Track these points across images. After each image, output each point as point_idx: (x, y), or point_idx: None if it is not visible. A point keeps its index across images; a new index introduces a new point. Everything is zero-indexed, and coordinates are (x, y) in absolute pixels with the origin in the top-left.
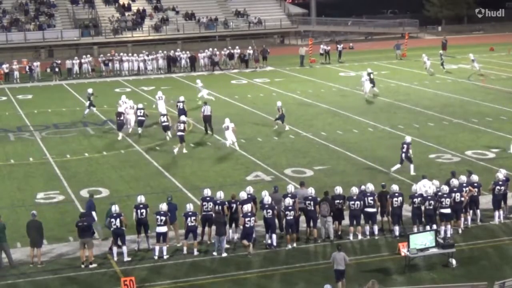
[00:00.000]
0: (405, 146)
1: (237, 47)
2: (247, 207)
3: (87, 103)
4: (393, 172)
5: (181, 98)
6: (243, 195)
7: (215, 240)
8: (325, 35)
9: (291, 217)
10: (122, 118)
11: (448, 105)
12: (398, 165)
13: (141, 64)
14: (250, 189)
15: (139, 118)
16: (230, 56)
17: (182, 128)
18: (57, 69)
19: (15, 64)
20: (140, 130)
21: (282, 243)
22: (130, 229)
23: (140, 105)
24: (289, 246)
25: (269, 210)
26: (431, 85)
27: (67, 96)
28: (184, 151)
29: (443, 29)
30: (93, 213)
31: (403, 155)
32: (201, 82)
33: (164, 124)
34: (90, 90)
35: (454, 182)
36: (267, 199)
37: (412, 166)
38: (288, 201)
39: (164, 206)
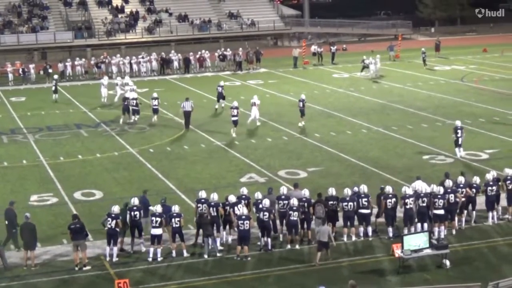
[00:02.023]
0: (458, 131)
1: (228, 49)
2: (242, 210)
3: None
4: (460, 157)
5: (221, 83)
6: (231, 198)
7: (210, 242)
8: (319, 37)
9: (295, 218)
10: (126, 102)
11: (441, 106)
12: (457, 149)
13: (134, 66)
14: (244, 190)
15: (133, 108)
16: (222, 58)
17: (235, 113)
18: (50, 71)
19: (10, 66)
20: (134, 118)
21: (275, 244)
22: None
23: (135, 95)
24: (289, 246)
25: (265, 213)
26: (425, 86)
27: (61, 98)
28: (234, 135)
29: (436, 30)
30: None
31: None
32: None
33: (154, 107)
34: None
35: (449, 183)
36: (265, 202)
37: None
38: (293, 201)
39: (158, 208)
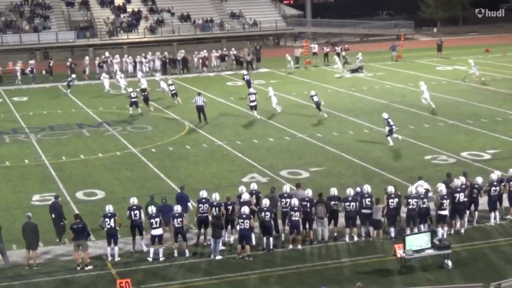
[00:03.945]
0: (389, 120)
1: (232, 48)
2: (244, 209)
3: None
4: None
5: (245, 72)
6: (245, 195)
7: (212, 243)
8: (321, 37)
9: (296, 218)
10: (146, 93)
11: (443, 106)
12: (389, 138)
13: (138, 65)
14: (254, 185)
15: (132, 99)
16: (222, 58)
17: (253, 99)
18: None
19: (18, 66)
20: (131, 110)
21: (277, 244)
22: (125, 230)
23: (131, 89)
24: (290, 247)
25: (267, 213)
26: (426, 86)
27: (63, 98)
28: (258, 116)
29: (438, 30)
30: (188, 204)
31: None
32: (272, 90)
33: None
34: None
35: (457, 182)
36: (265, 201)
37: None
38: (294, 201)
39: (154, 209)
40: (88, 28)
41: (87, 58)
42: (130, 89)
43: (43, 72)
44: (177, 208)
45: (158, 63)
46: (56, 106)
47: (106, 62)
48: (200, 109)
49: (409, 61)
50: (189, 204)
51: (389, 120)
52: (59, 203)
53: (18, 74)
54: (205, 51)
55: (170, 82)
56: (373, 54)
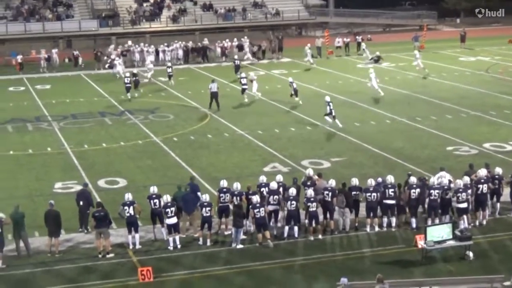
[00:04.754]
0: (331, 104)
1: (245, 37)
2: (256, 198)
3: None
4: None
5: (236, 56)
6: (273, 184)
7: (233, 232)
8: (344, 27)
9: (314, 209)
10: (137, 77)
11: (466, 97)
12: (327, 117)
13: (161, 54)
14: (280, 177)
15: (127, 85)
16: (240, 47)
17: (244, 82)
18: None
19: (42, 53)
20: (128, 96)
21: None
22: (147, 218)
23: (128, 74)
24: (312, 238)
25: (293, 202)
26: (449, 77)
27: (85, 87)
28: (246, 100)
29: (461, 21)
30: (198, 193)
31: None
32: (254, 75)
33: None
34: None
35: (480, 173)
36: (292, 191)
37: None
38: (310, 192)
39: (168, 198)
40: (111, 16)
41: (112, 46)
42: (127, 74)
43: (66, 60)
44: (206, 197)
45: (180, 52)
46: (79, 94)
47: (129, 51)
48: (214, 96)
49: (431, 51)
50: (198, 194)
51: (330, 103)
52: (88, 191)
53: (42, 62)
54: (227, 40)
55: (169, 64)
56: (395, 44)
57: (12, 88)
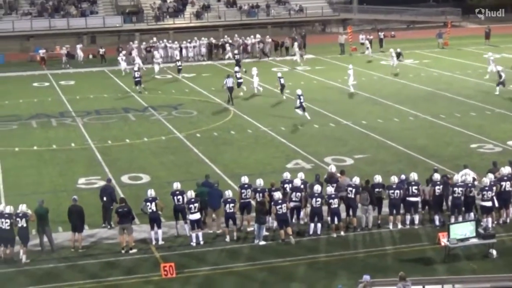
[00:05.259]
0: (301, 97)
1: (257, 35)
2: (278, 195)
3: None
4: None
5: (236, 51)
6: (297, 181)
7: (255, 228)
8: (367, 23)
9: (336, 206)
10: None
11: (491, 94)
12: (298, 110)
13: (184, 51)
14: (302, 175)
15: (136, 79)
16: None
17: (239, 76)
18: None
19: (64, 49)
20: (138, 89)
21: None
22: (170, 214)
23: (136, 68)
24: (334, 235)
25: (318, 199)
26: (474, 74)
27: (109, 82)
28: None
29: (486, 18)
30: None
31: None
32: (256, 70)
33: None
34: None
35: (504, 171)
36: (317, 188)
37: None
38: (330, 189)
39: (193, 193)
40: (134, 13)
41: (136, 42)
42: (135, 68)
43: (90, 56)
44: (229, 193)
45: (203, 49)
46: (103, 90)
47: (154, 47)
48: (230, 91)
49: (456, 48)
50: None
51: (301, 97)
52: (111, 187)
53: (64, 58)
54: (252, 37)
55: (178, 58)
56: (419, 41)
57: (37, 83)
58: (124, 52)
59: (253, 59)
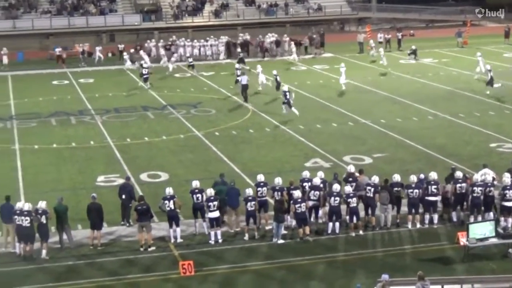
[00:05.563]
0: (287, 93)
1: (273, 33)
2: (297, 193)
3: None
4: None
5: (239, 49)
6: (316, 180)
7: (274, 226)
8: (386, 22)
9: (354, 205)
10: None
11: (510, 94)
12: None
13: (202, 49)
14: (321, 174)
15: (144, 76)
16: (277, 43)
17: (239, 73)
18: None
19: (81, 48)
20: (146, 85)
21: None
22: (189, 212)
23: (145, 65)
24: (353, 234)
25: (336, 198)
26: (493, 74)
27: (128, 80)
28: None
29: (505, 17)
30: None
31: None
32: (261, 67)
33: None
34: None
35: None
36: (336, 187)
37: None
38: (348, 188)
39: (212, 191)
40: (153, 11)
41: (153, 40)
42: (144, 65)
43: (109, 54)
44: (249, 192)
45: (221, 47)
46: (122, 88)
47: (173, 44)
48: (244, 88)
49: (475, 47)
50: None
51: (287, 93)
52: (130, 185)
53: (81, 56)
54: (270, 35)
55: (188, 54)
56: (438, 40)
57: (56, 81)
58: (132, 51)
59: (269, 58)
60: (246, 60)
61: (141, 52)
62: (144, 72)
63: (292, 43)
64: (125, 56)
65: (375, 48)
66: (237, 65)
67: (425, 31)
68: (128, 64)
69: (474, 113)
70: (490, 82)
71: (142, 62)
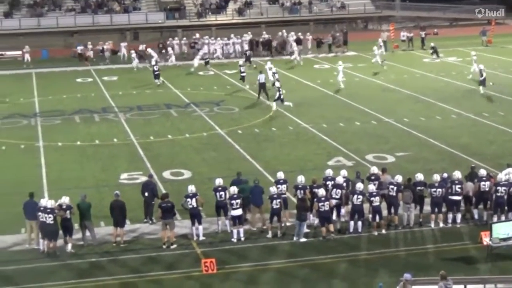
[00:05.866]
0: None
1: (298, 32)
2: (322, 192)
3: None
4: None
5: (247, 47)
6: (339, 179)
7: (296, 224)
8: (410, 20)
9: (377, 203)
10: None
11: None
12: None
13: (225, 47)
14: (344, 172)
15: (155, 73)
16: (298, 41)
17: (243, 70)
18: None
19: (106, 45)
20: (157, 82)
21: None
22: (212, 209)
23: (154, 62)
24: (375, 233)
25: (359, 196)
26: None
27: (151, 79)
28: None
29: None
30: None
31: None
32: (270, 64)
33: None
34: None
35: None
36: (359, 185)
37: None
38: (372, 187)
39: (235, 189)
40: (177, 9)
41: (176, 38)
42: (153, 63)
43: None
44: (274, 189)
45: (245, 45)
46: (145, 86)
47: (197, 43)
48: (261, 86)
49: (499, 46)
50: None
51: (280, 89)
52: (153, 182)
53: (106, 53)
54: (290, 32)
55: (205, 51)
56: (462, 38)
57: (80, 79)
58: (140, 48)
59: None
60: (268, 58)
61: (149, 49)
62: (155, 69)
63: (294, 43)
64: (133, 54)
65: (382, 47)
66: (240, 62)
67: (449, 29)
68: (136, 62)
69: (498, 113)
70: (482, 82)
71: (152, 60)
